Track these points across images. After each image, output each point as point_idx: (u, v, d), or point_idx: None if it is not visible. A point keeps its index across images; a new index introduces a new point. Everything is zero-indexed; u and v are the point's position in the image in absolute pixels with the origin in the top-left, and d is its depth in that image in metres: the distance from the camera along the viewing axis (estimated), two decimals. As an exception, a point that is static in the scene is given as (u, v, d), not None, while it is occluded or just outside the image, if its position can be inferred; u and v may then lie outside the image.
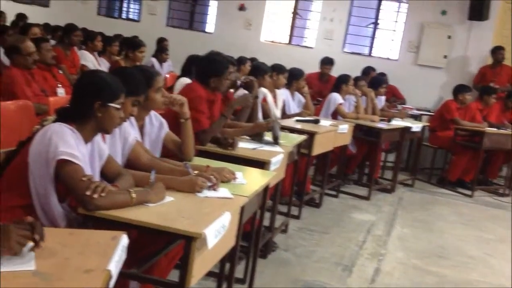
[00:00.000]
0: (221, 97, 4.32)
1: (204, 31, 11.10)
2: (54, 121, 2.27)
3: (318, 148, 4.97)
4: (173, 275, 2.86)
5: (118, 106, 2.32)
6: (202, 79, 3.73)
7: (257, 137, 3.94)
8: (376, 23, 10.08)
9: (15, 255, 1.57)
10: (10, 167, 2.24)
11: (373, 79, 7.10)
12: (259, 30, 10.44)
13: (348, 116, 6.23)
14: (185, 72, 5.42)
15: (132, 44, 6.58)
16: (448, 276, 4.30)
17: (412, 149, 8.04)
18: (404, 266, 4.38)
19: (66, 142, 2.15)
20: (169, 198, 2.36)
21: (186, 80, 5.03)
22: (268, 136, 3.95)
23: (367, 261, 4.36)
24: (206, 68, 3.76)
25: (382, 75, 7.95)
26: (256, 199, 3.00)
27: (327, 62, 8.29)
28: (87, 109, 2.27)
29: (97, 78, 2.35)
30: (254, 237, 3.38)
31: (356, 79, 6.61)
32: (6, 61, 5.44)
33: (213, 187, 2.57)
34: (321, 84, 8.18)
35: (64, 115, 2.29)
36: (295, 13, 10.46)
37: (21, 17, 8.85)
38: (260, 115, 4.85)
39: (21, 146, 2.27)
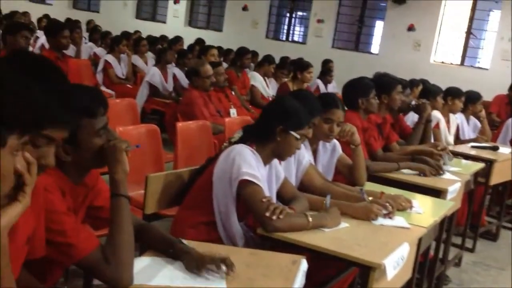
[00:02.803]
0: (391, 120, 4.19)
1: (369, 52, 10.99)
2: (241, 137, 2.36)
3: (497, 177, 4.60)
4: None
5: (298, 136, 2.34)
6: (351, 103, 3.60)
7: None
8: (562, 42, 9.19)
9: None
10: (196, 185, 2.37)
11: (560, 103, 6.44)
12: (429, 50, 10.07)
13: (530, 143, 5.70)
14: None
15: (301, 66, 6.68)
16: None
17: None
18: None
19: (248, 163, 2.21)
20: (344, 224, 2.32)
21: None
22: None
23: (553, 305, 3.91)
24: (353, 90, 3.60)
25: None
26: (433, 230, 2.83)
27: None
28: (270, 131, 2.32)
29: (287, 104, 2.40)
30: (427, 270, 3.20)
31: (540, 103, 6.04)
32: (184, 83, 5.85)
33: (388, 215, 2.47)
34: (508, 108, 7.51)
35: (249, 133, 2.38)
36: (468, 32, 9.92)
37: (198, 41, 9.48)
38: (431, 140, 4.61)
39: (209, 162, 2.38)
